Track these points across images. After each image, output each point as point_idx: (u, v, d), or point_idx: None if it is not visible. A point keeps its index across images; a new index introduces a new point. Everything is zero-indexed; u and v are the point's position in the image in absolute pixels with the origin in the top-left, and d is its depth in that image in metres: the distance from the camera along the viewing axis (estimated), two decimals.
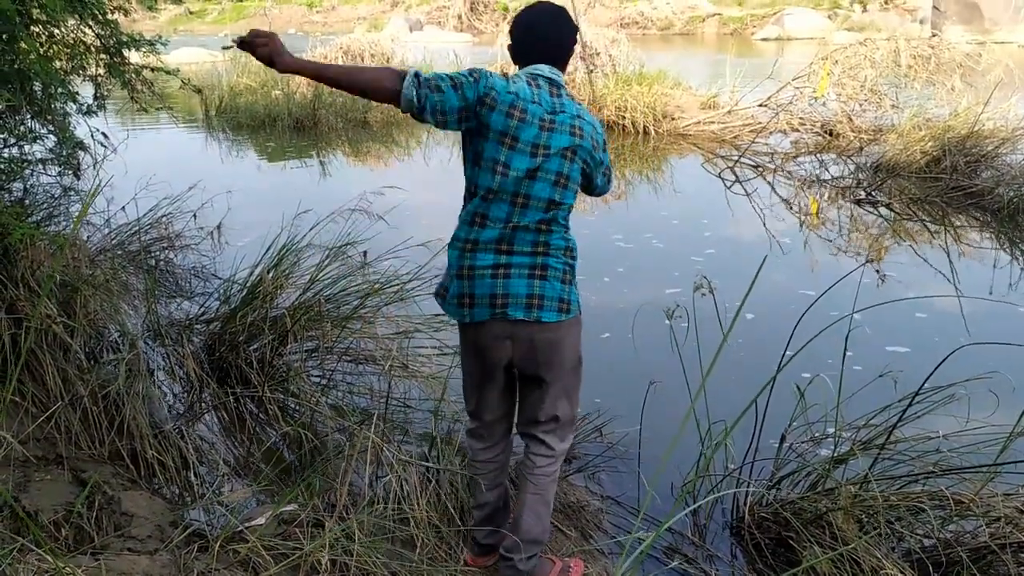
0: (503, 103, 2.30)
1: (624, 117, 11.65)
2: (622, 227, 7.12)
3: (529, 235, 2.35)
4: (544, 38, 2.40)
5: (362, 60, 15.17)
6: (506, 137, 2.31)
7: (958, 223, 7.19)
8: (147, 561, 2.33)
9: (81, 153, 4.67)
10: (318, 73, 2.30)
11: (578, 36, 2.57)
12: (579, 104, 2.45)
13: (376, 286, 4.36)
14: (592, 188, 2.58)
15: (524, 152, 2.32)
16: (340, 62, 14.86)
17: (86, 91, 4.43)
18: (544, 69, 2.39)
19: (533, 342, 2.40)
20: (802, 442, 3.14)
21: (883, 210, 7.65)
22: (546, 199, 2.34)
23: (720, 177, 9.17)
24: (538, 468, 2.56)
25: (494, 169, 2.33)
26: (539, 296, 2.34)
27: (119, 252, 5.28)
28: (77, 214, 4.80)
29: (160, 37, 4.63)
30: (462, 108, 2.29)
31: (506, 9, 42.12)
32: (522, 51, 2.45)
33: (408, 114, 2.31)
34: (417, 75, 2.27)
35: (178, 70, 4.80)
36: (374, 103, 12.71)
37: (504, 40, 11.50)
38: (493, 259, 2.35)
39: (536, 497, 2.55)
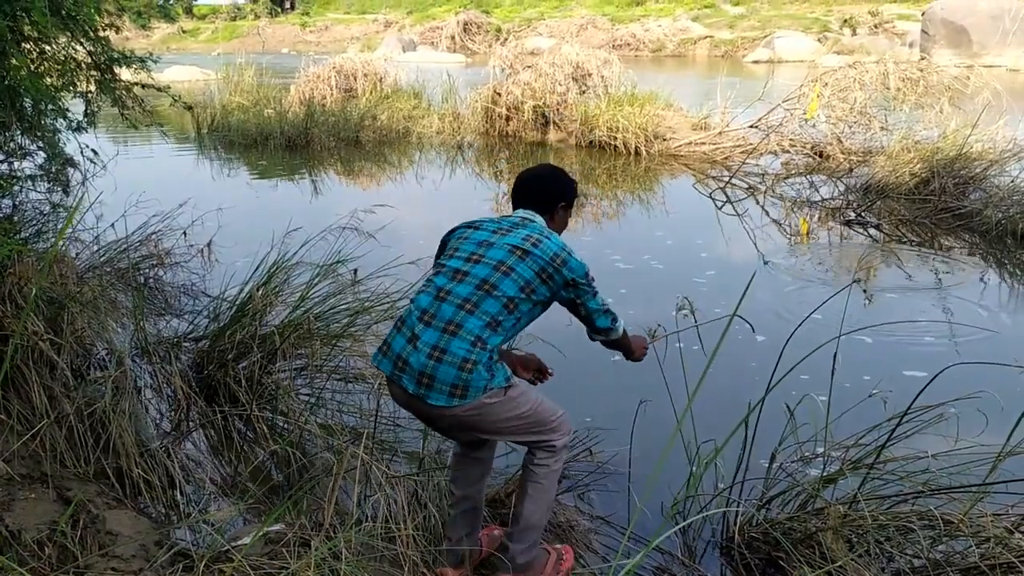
0: (461, 228, 2.70)
1: (616, 137, 11.72)
2: (618, 248, 7.13)
3: (449, 308, 2.43)
4: (525, 192, 2.76)
5: (354, 79, 15.24)
6: (460, 240, 2.64)
7: (947, 244, 7.23)
8: None
9: (70, 170, 4.67)
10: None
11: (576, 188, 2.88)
12: (562, 243, 2.61)
13: (366, 304, 4.36)
14: (589, 318, 2.66)
15: (472, 242, 2.61)
16: (333, 81, 14.97)
17: (76, 107, 4.43)
18: (520, 212, 2.73)
19: (434, 420, 2.51)
20: (792, 462, 3.13)
21: (873, 231, 7.69)
22: (483, 279, 2.46)
23: (711, 198, 9.21)
24: (538, 460, 2.60)
25: (445, 252, 2.64)
26: (429, 376, 2.37)
27: (107, 269, 5.26)
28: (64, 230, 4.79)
29: (151, 54, 4.65)
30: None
31: (499, 30, 42.46)
32: (513, 199, 2.80)
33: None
34: None
35: (169, 87, 4.81)
36: (366, 123, 12.87)
37: (495, 61, 11.59)
38: (415, 321, 2.47)
39: (537, 486, 2.60)
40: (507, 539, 2.67)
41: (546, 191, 2.76)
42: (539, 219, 2.69)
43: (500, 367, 2.42)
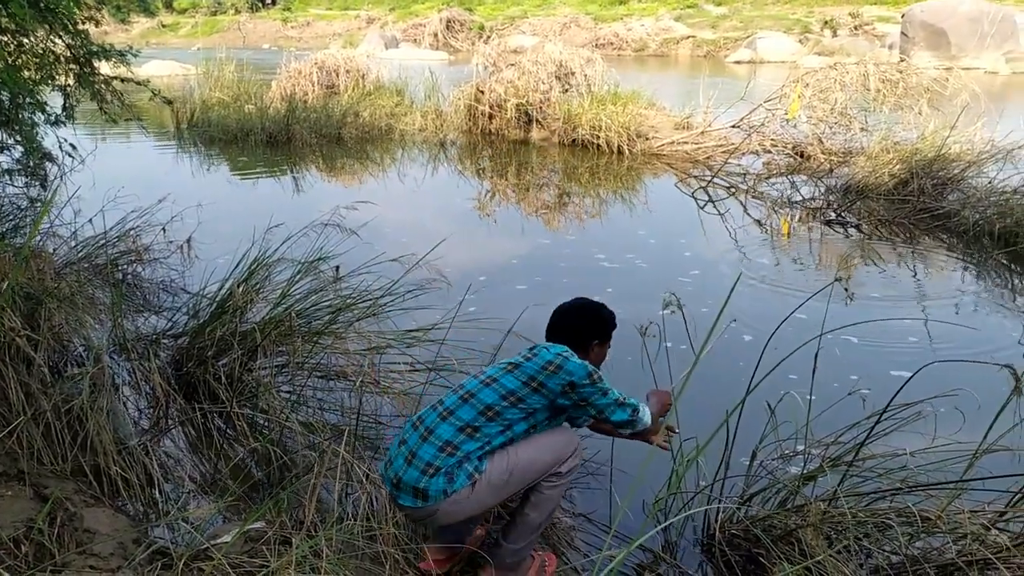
0: None
1: (598, 136, 11.74)
2: (602, 247, 7.14)
3: (433, 415, 2.55)
4: (557, 328, 2.81)
5: (337, 76, 15.18)
6: None
7: (925, 244, 7.29)
8: None
9: (48, 164, 4.62)
10: None
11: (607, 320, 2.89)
12: (563, 349, 2.63)
13: (348, 301, 4.33)
14: (603, 417, 2.68)
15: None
16: (314, 77, 14.91)
17: (55, 101, 4.39)
18: (546, 345, 2.72)
19: (417, 520, 2.63)
20: (772, 459, 3.15)
21: (853, 231, 7.74)
22: (468, 389, 2.59)
23: (693, 197, 9.25)
24: (546, 482, 2.61)
25: None
26: (399, 478, 2.47)
27: (85, 265, 5.21)
28: (43, 225, 4.73)
29: (131, 48, 4.60)
30: None
31: (482, 28, 42.39)
32: (546, 335, 2.83)
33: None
34: None
35: (148, 81, 4.77)
36: (348, 120, 12.83)
37: (478, 58, 11.53)
38: (409, 427, 2.59)
39: (542, 496, 2.62)
40: (501, 537, 2.68)
41: (577, 328, 2.79)
42: (555, 347, 2.66)
43: (463, 470, 2.44)
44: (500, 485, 2.50)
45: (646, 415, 2.73)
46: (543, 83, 12.84)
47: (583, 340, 2.77)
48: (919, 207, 7.96)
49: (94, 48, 4.37)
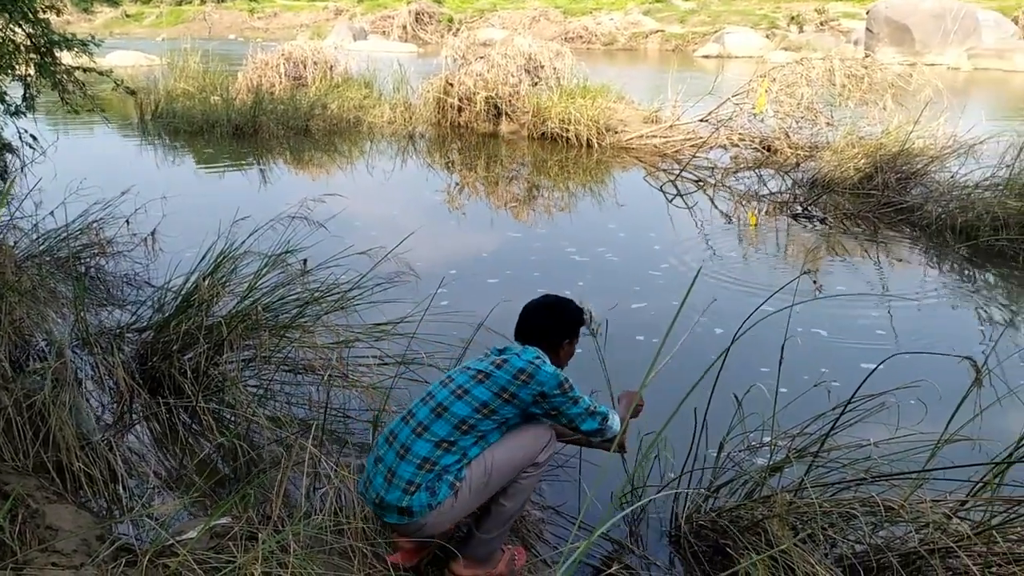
0: None
1: (568, 130, 11.74)
2: (572, 240, 7.15)
3: (406, 430, 2.53)
4: (526, 329, 2.75)
5: (304, 67, 15.05)
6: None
7: (889, 237, 7.39)
8: None
9: (8, 155, 4.53)
10: None
11: (583, 316, 2.87)
12: (534, 356, 2.61)
13: (316, 295, 4.30)
14: (573, 427, 2.67)
15: (455, 370, 2.70)
16: (282, 68, 14.76)
17: (15, 91, 4.30)
18: (511, 346, 2.73)
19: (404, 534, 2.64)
20: (740, 451, 3.18)
21: (819, 225, 7.83)
22: (439, 401, 2.55)
23: (662, 190, 9.30)
24: (523, 472, 2.62)
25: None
26: (381, 498, 2.48)
27: (47, 258, 5.12)
28: (3, 217, 4.64)
29: (93, 38, 4.53)
30: None
31: (451, 21, 42.21)
32: (515, 335, 2.78)
33: None
34: None
35: (111, 71, 4.69)
36: (316, 112, 12.73)
37: (447, 51, 11.49)
38: (383, 442, 2.57)
39: (517, 486, 2.63)
40: (474, 527, 2.69)
41: (546, 328, 2.75)
42: (525, 350, 2.65)
43: (443, 481, 2.46)
44: (481, 489, 2.52)
45: (615, 423, 2.75)
46: (512, 76, 12.81)
47: (554, 339, 2.75)
48: (883, 201, 8.07)
49: (55, 37, 4.29)
